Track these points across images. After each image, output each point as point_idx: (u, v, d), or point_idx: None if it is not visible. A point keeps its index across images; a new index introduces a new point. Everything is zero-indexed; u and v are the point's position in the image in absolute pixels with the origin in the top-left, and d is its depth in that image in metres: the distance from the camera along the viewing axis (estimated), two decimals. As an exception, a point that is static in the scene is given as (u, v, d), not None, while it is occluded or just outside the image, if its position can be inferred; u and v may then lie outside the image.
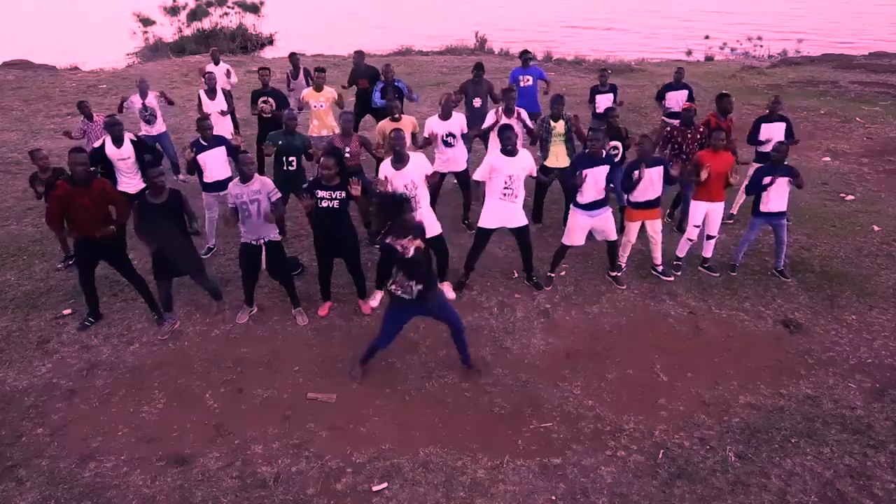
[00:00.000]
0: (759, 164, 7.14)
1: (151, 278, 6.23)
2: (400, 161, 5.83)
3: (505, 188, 5.98)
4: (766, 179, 6.18)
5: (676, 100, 8.71)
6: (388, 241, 4.65)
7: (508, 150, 5.95)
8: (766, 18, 29.58)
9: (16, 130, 11.89)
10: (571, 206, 6.31)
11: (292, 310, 6.06)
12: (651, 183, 6.18)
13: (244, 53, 22.45)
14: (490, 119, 7.34)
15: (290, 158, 6.85)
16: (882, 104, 13.45)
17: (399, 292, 4.76)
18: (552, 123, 7.11)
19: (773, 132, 7.33)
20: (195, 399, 5.06)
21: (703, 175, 6.20)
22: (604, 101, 8.76)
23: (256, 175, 5.60)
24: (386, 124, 7.00)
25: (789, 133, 7.42)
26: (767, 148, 7.05)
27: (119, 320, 6.03)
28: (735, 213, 7.96)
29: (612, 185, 6.20)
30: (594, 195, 6.10)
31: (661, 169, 6.20)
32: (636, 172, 6.10)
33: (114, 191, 5.63)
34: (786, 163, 6.32)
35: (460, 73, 15.57)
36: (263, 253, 5.67)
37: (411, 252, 4.58)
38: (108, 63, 18.94)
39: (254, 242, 5.66)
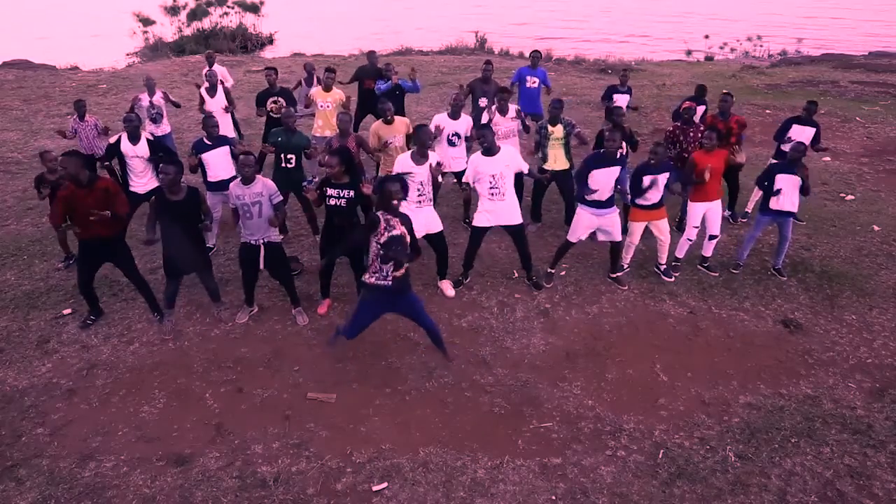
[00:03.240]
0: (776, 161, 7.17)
1: (152, 277, 6.24)
2: (423, 157, 5.87)
3: (491, 188, 5.98)
4: (778, 177, 6.22)
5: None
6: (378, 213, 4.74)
7: (487, 149, 5.96)
8: (766, 18, 29.58)
9: (16, 130, 11.89)
10: (578, 203, 6.30)
11: (292, 309, 6.06)
12: (657, 187, 6.20)
13: (244, 53, 22.47)
14: (485, 118, 7.36)
15: (290, 156, 6.85)
16: (882, 104, 13.46)
17: (373, 280, 4.82)
18: (550, 128, 7.05)
19: (802, 135, 7.33)
20: (195, 399, 5.06)
21: (707, 176, 6.21)
22: (620, 102, 8.73)
23: (258, 177, 5.59)
24: (379, 126, 7.00)
25: (816, 139, 7.43)
26: (787, 147, 7.05)
27: (119, 320, 6.03)
28: (749, 211, 7.94)
29: (619, 185, 6.19)
30: (603, 194, 6.09)
31: (667, 175, 6.20)
32: (646, 179, 6.13)
33: (116, 189, 5.64)
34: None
35: (460, 73, 15.58)
36: (262, 253, 5.68)
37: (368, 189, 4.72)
38: (108, 63, 18.95)
39: (253, 242, 5.66)
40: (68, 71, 17.63)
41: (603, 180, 6.00)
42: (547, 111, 7.19)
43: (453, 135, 7.19)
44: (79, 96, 12.21)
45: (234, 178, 6.88)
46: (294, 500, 4.16)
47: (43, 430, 4.74)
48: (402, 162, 5.91)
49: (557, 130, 7.05)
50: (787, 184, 6.25)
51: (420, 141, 5.86)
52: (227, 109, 8.75)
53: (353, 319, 5.15)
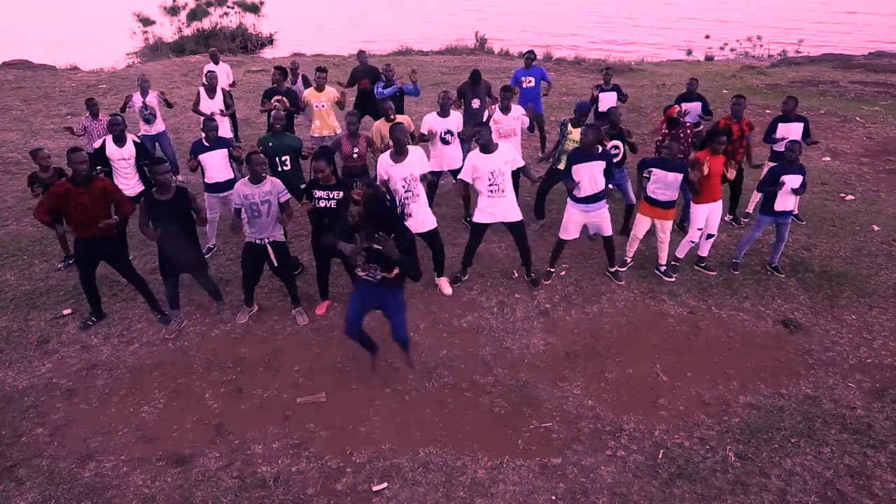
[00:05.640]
0: (774, 164, 7.16)
1: (152, 277, 6.24)
2: (400, 154, 5.86)
3: (490, 185, 6.00)
4: (783, 178, 6.21)
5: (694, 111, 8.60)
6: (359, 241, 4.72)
7: (484, 147, 5.98)
8: (766, 18, 29.58)
9: (16, 130, 11.89)
10: (568, 200, 6.33)
11: (292, 310, 6.06)
12: (668, 186, 6.20)
13: (244, 53, 22.48)
14: (485, 116, 7.37)
15: (284, 158, 6.84)
16: (882, 104, 13.45)
17: (363, 275, 4.78)
18: (570, 128, 7.06)
19: (790, 132, 7.31)
20: (195, 399, 5.06)
21: (705, 170, 6.20)
22: (606, 100, 8.72)
23: (268, 176, 5.60)
24: (381, 125, 7.02)
25: (806, 133, 7.42)
26: (782, 147, 7.04)
27: (119, 320, 6.03)
28: (751, 211, 7.93)
29: (611, 185, 6.19)
30: (589, 190, 6.10)
31: (680, 176, 6.17)
32: (656, 172, 6.19)
33: (115, 188, 5.64)
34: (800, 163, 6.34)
35: (460, 73, 15.58)
36: (271, 252, 5.67)
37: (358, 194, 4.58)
38: (108, 63, 18.95)
39: (258, 242, 5.65)
40: (68, 71, 17.63)
41: (585, 174, 6.01)
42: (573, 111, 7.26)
43: (446, 132, 7.20)
44: (79, 97, 12.24)
45: (230, 180, 6.88)
46: (294, 500, 4.16)
47: (43, 430, 4.74)
48: (382, 161, 5.93)
49: (575, 133, 7.01)
50: (787, 185, 6.27)
51: (396, 139, 5.85)
52: (223, 113, 8.72)
53: (347, 312, 5.06)
